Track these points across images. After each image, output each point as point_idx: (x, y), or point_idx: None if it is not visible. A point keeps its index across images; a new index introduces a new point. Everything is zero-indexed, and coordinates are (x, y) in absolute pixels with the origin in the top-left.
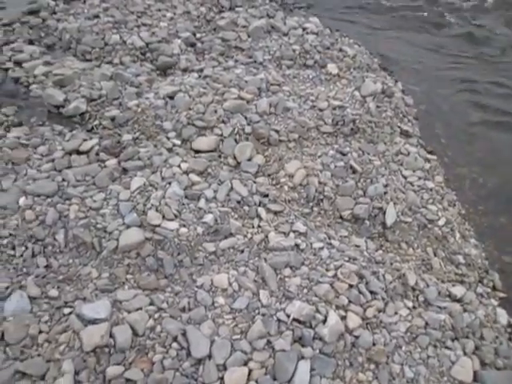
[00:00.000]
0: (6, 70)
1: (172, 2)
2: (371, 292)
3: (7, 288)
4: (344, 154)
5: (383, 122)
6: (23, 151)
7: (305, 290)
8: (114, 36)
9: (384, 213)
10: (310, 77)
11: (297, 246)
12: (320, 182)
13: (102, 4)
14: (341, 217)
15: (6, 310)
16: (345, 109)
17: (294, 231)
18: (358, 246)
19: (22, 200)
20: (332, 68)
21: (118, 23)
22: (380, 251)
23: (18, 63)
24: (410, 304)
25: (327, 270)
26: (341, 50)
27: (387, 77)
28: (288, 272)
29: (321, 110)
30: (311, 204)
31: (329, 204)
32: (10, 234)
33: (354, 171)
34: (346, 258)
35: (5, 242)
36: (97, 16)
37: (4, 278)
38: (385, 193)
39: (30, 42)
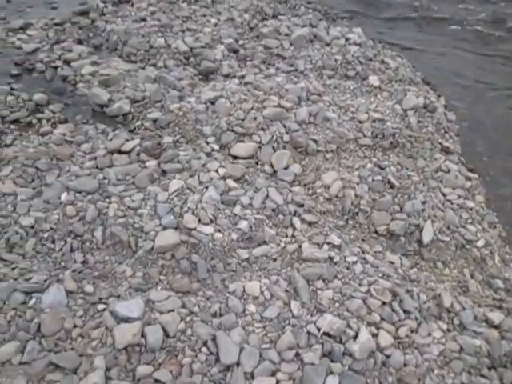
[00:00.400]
0: (56, 68)
1: (217, 8)
2: (404, 311)
3: (45, 281)
4: (382, 168)
5: (424, 137)
6: (68, 148)
7: (337, 304)
8: (159, 39)
9: (421, 230)
10: (351, 88)
11: (330, 258)
12: (356, 195)
13: (149, 8)
14: (376, 232)
15: (43, 301)
16: (385, 122)
17: (328, 243)
18: (392, 263)
19: (64, 195)
20: (373, 80)
21: (163, 27)
22: (415, 269)
23: (67, 62)
24: (445, 326)
25: (360, 285)
26: (383, 61)
27: (430, 91)
28: (320, 284)
29: (360, 122)
30: (346, 217)
31: (364, 218)
32: (51, 228)
33: (392, 186)
34: (380, 274)
35: (46, 235)
36: (144, 19)
37: (43, 270)
38: (422, 210)
39: (79, 42)
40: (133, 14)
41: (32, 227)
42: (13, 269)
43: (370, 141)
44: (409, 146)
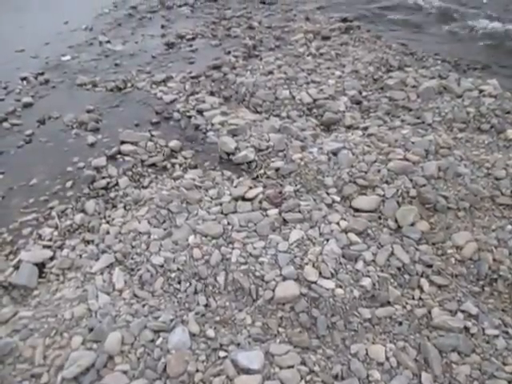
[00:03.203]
0: (190, 117)
1: (341, 61)
2: None
3: (172, 320)
4: None
5: None
6: (196, 192)
7: (475, 383)
8: (284, 91)
9: None
10: (486, 142)
11: (466, 328)
12: (494, 259)
13: (276, 61)
14: None
15: (169, 341)
16: None
17: (463, 311)
18: None
19: (191, 238)
20: None
21: (289, 79)
22: None
23: (200, 112)
24: None
25: (504, 363)
26: None
27: None
28: (455, 357)
29: (497, 178)
30: (482, 282)
31: (504, 286)
32: (178, 269)
33: None
34: None
35: (173, 275)
36: (271, 72)
37: (169, 310)
38: None
39: (212, 94)
40: (261, 67)
41: (161, 266)
42: (143, 305)
43: (509, 199)
44: None
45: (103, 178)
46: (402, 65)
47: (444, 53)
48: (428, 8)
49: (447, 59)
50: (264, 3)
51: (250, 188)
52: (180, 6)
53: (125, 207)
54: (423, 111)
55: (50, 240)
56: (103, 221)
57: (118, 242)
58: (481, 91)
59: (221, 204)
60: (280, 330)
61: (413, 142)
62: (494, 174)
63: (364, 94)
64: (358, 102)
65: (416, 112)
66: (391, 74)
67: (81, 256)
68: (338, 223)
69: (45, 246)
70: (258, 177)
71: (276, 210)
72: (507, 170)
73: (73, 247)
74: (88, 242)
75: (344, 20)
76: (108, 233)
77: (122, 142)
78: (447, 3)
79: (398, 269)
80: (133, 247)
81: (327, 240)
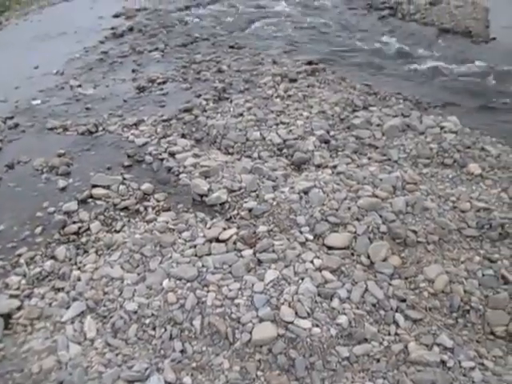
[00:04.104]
0: (162, 160)
1: (308, 102)
2: None
3: (146, 369)
4: (493, 261)
5: None
6: (170, 235)
7: None
8: (254, 133)
9: None
10: (450, 176)
11: (443, 362)
12: (465, 291)
13: (246, 104)
14: (492, 333)
15: None
16: (491, 211)
17: (439, 344)
18: None
19: (165, 282)
20: (474, 168)
21: (259, 121)
22: None
23: (172, 154)
24: None
25: None
26: (483, 149)
27: None
28: None
29: (463, 211)
30: (455, 315)
31: (477, 317)
32: (153, 314)
33: (507, 281)
34: None
35: (147, 321)
36: (241, 114)
37: (144, 358)
38: None
39: (183, 136)
40: (231, 109)
41: (135, 312)
42: (117, 355)
43: (475, 231)
44: None
45: (74, 222)
46: (367, 104)
47: (405, 92)
48: (387, 50)
49: (408, 98)
50: (233, 48)
51: (224, 229)
52: (151, 51)
53: (97, 252)
54: (389, 148)
55: (18, 289)
56: (74, 267)
57: (90, 288)
58: (442, 128)
59: (195, 246)
60: (258, 373)
61: (380, 179)
62: (459, 207)
63: (332, 133)
64: (327, 142)
65: (382, 149)
66: (357, 113)
67: (50, 304)
68: (312, 262)
69: (12, 296)
70: (231, 218)
71: (250, 251)
72: (471, 203)
73: (42, 295)
74: (58, 290)
75: (310, 63)
76: (79, 279)
77: (94, 186)
78: (405, 45)
79: (373, 305)
80: (105, 293)
81: (302, 279)
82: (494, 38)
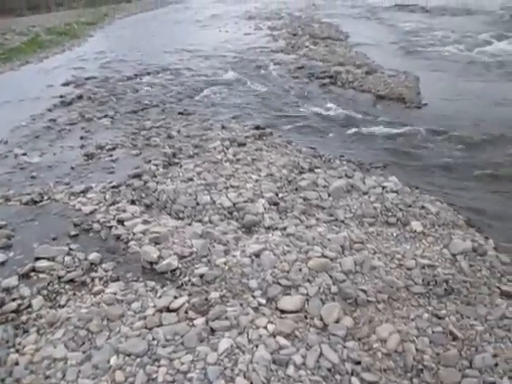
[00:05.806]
0: (110, 227)
1: (257, 165)
2: None
3: None
4: (440, 318)
5: (479, 281)
6: (118, 307)
7: None
8: (204, 197)
9: None
10: (394, 234)
11: None
12: (417, 350)
13: (195, 168)
14: None
15: None
16: (435, 268)
17: None
18: None
19: (113, 359)
20: (416, 225)
21: (209, 185)
22: None
23: (121, 221)
24: None
25: None
26: (423, 207)
27: (476, 234)
28: None
29: (409, 269)
30: (410, 374)
31: (430, 376)
32: None
33: (455, 338)
34: None
35: None
36: (191, 179)
37: None
38: (496, 364)
39: (133, 202)
40: (181, 174)
41: None
42: None
43: (422, 288)
44: (465, 292)
45: (13, 300)
46: (312, 167)
47: (348, 154)
48: (330, 115)
49: (352, 160)
50: (182, 114)
51: (175, 297)
52: (100, 118)
53: (38, 331)
54: (335, 209)
55: None
56: (12, 350)
57: (29, 373)
58: (383, 187)
59: (145, 318)
60: None
61: (329, 239)
62: (405, 265)
63: (280, 195)
64: (276, 204)
65: (329, 210)
66: (303, 175)
67: None
68: (265, 327)
69: None
70: (182, 285)
71: (203, 319)
72: (416, 260)
73: None
74: None
75: (257, 127)
76: (17, 364)
77: (37, 259)
78: (347, 111)
79: (329, 370)
80: (47, 377)
81: (256, 346)
82: (426, 104)
